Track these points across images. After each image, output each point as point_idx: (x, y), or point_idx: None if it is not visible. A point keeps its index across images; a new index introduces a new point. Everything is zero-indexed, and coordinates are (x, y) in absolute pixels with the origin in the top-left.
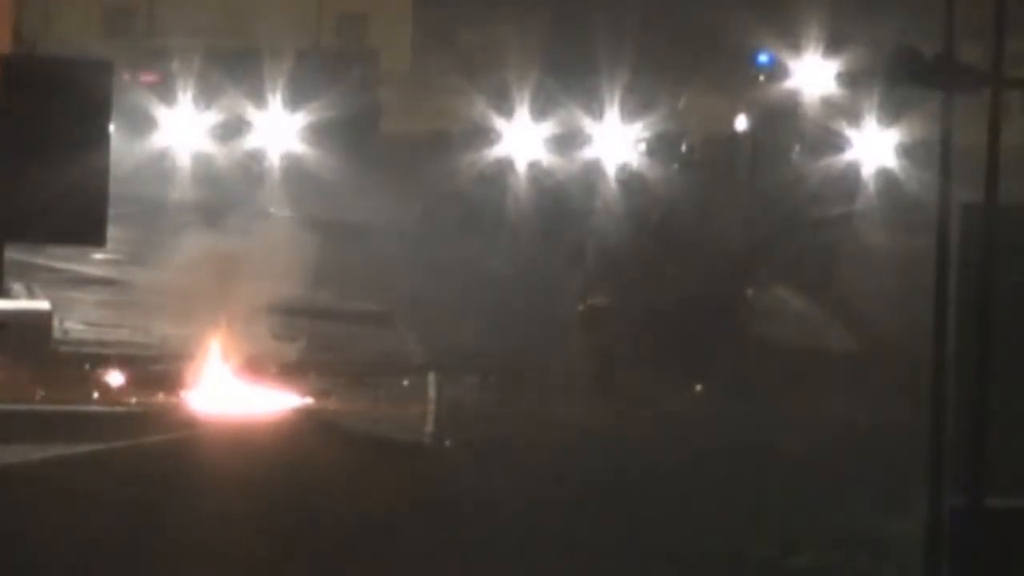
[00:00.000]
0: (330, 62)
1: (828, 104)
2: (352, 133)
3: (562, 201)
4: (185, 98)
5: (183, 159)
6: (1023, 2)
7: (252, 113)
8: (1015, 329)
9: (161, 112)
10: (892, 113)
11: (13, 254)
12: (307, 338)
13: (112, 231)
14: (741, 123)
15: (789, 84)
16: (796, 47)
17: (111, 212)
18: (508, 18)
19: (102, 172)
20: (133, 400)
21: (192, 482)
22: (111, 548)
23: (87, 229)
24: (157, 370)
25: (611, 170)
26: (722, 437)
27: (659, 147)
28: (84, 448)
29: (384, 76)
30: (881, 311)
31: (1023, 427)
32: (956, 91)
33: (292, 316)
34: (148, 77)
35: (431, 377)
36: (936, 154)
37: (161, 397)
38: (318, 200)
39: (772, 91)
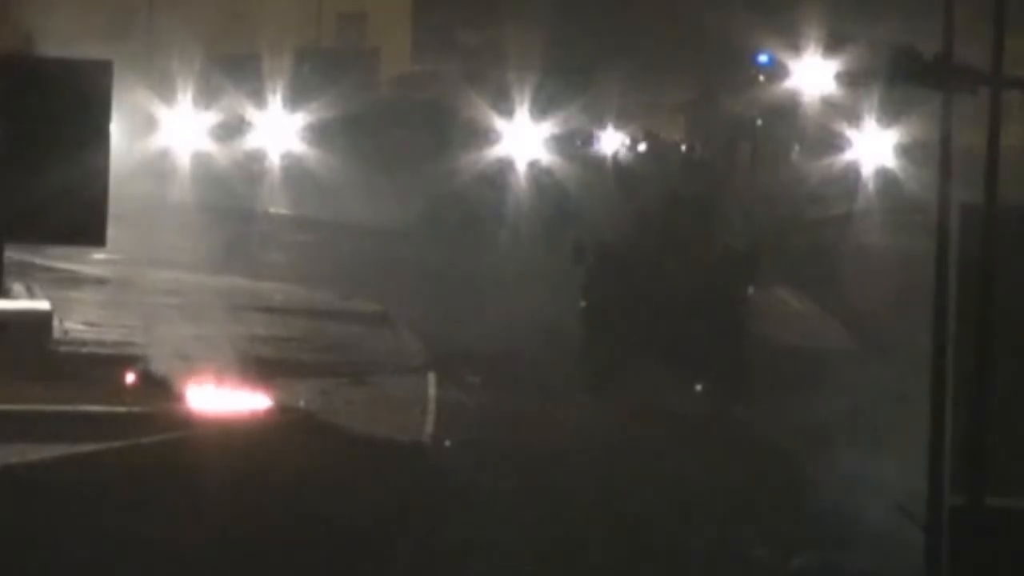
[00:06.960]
0: (330, 62)
1: (828, 104)
2: (352, 133)
3: (563, 200)
4: (185, 98)
5: (183, 159)
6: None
7: (252, 113)
8: (1015, 329)
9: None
10: (892, 113)
11: (13, 254)
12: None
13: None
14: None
15: (789, 84)
16: (796, 47)
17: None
18: (508, 18)
19: (102, 172)
20: (132, 400)
21: (191, 482)
22: (111, 548)
23: (87, 229)
24: (156, 370)
25: (612, 169)
26: (721, 437)
27: (659, 146)
28: (84, 448)
29: (384, 76)
30: (881, 311)
31: (1023, 427)
32: (956, 91)
33: (289, 316)
34: None
35: (430, 377)
36: (936, 154)
37: (160, 397)
38: (317, 200)
39: (772, 91)
